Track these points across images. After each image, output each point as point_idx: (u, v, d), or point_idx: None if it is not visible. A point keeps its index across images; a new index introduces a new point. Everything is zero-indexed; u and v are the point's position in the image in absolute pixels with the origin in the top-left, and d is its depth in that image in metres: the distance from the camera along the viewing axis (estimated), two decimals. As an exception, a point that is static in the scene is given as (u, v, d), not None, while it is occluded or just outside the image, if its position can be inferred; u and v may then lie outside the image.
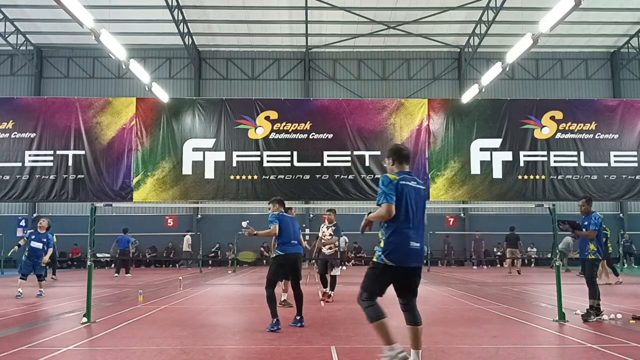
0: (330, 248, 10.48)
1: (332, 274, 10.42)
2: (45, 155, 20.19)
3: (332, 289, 10.47)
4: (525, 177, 20.53)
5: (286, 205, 7.89)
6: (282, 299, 9.38)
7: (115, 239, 25.13)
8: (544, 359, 5.60)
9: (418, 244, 4.43)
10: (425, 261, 25.00)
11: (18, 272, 12.35)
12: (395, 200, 4.35)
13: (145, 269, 25.90)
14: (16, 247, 13.48)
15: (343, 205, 20.29)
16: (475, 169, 20.57)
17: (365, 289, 4.40)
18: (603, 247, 8.37)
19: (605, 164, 20.54)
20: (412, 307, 4.54)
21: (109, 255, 26.21)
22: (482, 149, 20.66)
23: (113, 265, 24.82)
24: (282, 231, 7.14)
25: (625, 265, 24.15)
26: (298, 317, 7.13)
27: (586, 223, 8.18)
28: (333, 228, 10.53)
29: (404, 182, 4.44)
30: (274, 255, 7.36)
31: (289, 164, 20.32)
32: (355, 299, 4.55)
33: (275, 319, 6.74)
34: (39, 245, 12.03)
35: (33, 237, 12.12)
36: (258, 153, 20.41)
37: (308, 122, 20.51)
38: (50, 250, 12.45)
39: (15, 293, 11.46)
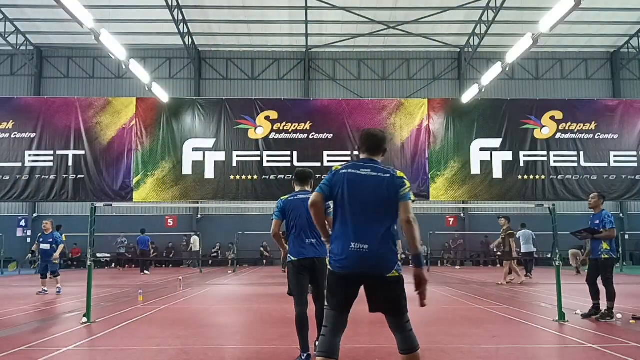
0: None
1: None
2: (45, 155, 20.18)
3: None
4: (525, 177, 20.53)
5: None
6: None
7: (115, 239, 25.27)
8: (544, 359, 5.60)
9: (365, 246, 3.45)
10: (426, 262, 24.82)
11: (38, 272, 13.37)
12: (327, 190, 3.61)
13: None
14: (29, 255, 14.18)
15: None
16: (475, 169, 20.56)
17: (325, 299, 3.62)
18: (615, 247, 8.26)
19: (605, 164, 20.53)
20: (399, 328, 3.53)
21: (109, 255, 26.27)
22: (482, 149, 20.65)
23: (133, 266, 25.50)
24: (291, 226, 5.23)
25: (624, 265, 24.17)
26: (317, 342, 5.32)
27: (597, 222, 8.07)
28: None
29: (347, 171, 3.61)
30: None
31: (289, 164, 20.30)
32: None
33: (305, 354, 4.87)
34: (47, 246, 12.77)
35: (41, 239, 12.91)
36: (258, 153, 20.40)
37: (308, 122, 20.50)
38: (61, 247, 13.05)
39: (38, 290, 12.46)
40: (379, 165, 3.65)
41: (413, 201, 3.66)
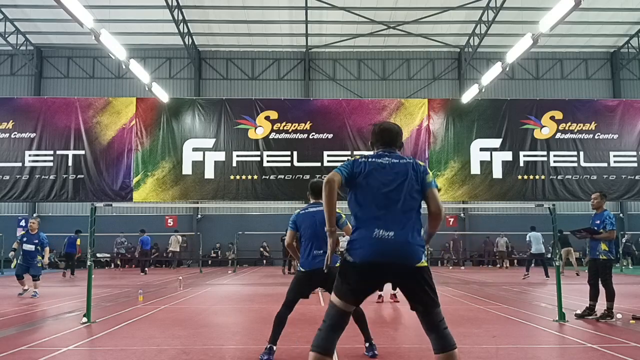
0: None
1: None
2: (45, 155, 20.19)
3: (394, 288, 10.64)
4: (525, 177, 20.53)
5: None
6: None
7: (114, 239, 25.23)
8: (544, 359, 5.60)
9: (390, 233, 3.23)
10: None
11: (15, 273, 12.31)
12: (347, 173, 3.37)
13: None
14: (12, 253, 13.54)
15: (343, 206, 20.27)
16: (475, 169, 20.56)
17: (333, 291, 3.38)
18: (615, 247, 8.24)
19: (605, 164, 20.54)
20: (433, 326, 3.26)
21: (109, 255, 26.27)
22: (482, 149, 20.66)
23: (128, 266, 25.65)
24: (301, 238, 5.40)
25: (627, 266, 24.18)
26: (367, 345, 5.39)
27: (598, 222, 8.04)
28: None
29: (367, 159, 3.45)
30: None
31: (289, 164, 20.31)
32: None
33: (268, 346, 5.18)
34: (31, 247, 11.88)
35: (25, 239, 11.96)
36: (258, 153, 20.40)
37: (308, 122, 20.51)
38: (47, 250, 12.27)
39: (19, 291, 11.71)
40: (398, 154, 3.52)
41: (439, 190, 3.50)
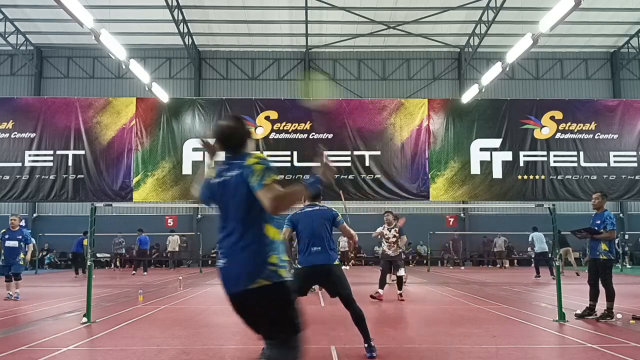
0: (394, 250, 10.81)
1: (399, 274, 10.88)
2: (45, 155, 20.20)
3: (400, 288, 10.89)
4: (525, 177, 20.55)
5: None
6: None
7: (112, 238, 25.15)
8: (544, 359, 5.60)
9: (224, 260, 2.89)
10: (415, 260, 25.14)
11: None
12: (206, 198, 3.13)
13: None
14: None
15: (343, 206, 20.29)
16: (475, 169, 20.58)
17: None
18: (614, 248, 8.25)
19: (605, 164, 20.56)
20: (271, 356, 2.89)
21: (109, 255, 26.26)
22: (482, 149, 20.68)
23: (128, 265, 25.61)
24: (299, 237, 5.57)
25: (626, 265, 24.19)
26: (367, 345, 5.34)
27: (598, 222, 8.04)
28: (397, 230, 10.99)
29: (208, 181, 3.11)
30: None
31: (289, 164, 20.33)
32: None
33: (264, 347, 5.47)
34: (14, 243, 11.33)
35: (7, 236, 11.39)
36: (258, 153, 20.42)
37: (308, 122, 20.52)
38: (31, 246, 11.79)
39: (5, 295, 11.08)
40: (234, 161, 2.99)
41: (277, 180, 2.86)
